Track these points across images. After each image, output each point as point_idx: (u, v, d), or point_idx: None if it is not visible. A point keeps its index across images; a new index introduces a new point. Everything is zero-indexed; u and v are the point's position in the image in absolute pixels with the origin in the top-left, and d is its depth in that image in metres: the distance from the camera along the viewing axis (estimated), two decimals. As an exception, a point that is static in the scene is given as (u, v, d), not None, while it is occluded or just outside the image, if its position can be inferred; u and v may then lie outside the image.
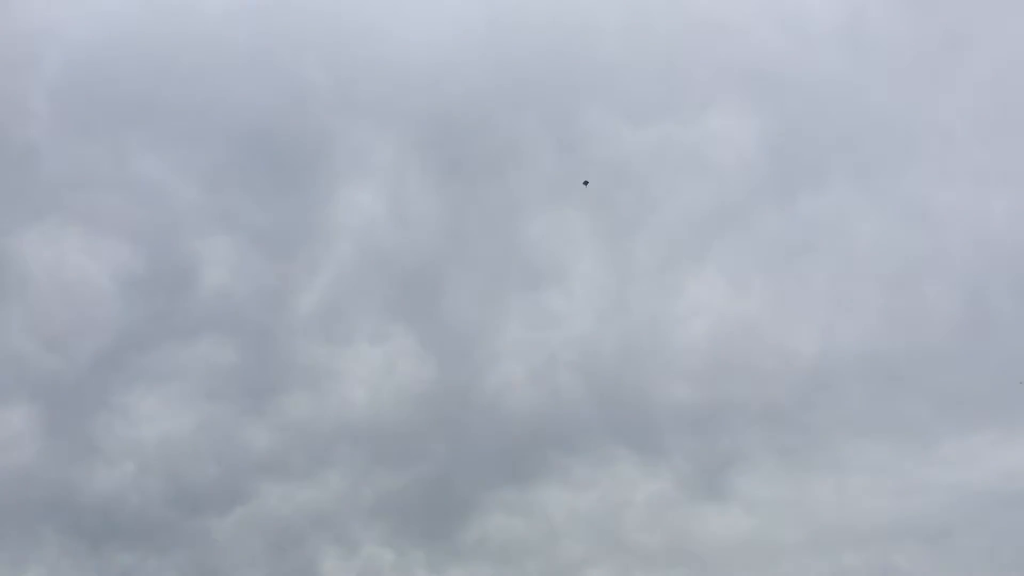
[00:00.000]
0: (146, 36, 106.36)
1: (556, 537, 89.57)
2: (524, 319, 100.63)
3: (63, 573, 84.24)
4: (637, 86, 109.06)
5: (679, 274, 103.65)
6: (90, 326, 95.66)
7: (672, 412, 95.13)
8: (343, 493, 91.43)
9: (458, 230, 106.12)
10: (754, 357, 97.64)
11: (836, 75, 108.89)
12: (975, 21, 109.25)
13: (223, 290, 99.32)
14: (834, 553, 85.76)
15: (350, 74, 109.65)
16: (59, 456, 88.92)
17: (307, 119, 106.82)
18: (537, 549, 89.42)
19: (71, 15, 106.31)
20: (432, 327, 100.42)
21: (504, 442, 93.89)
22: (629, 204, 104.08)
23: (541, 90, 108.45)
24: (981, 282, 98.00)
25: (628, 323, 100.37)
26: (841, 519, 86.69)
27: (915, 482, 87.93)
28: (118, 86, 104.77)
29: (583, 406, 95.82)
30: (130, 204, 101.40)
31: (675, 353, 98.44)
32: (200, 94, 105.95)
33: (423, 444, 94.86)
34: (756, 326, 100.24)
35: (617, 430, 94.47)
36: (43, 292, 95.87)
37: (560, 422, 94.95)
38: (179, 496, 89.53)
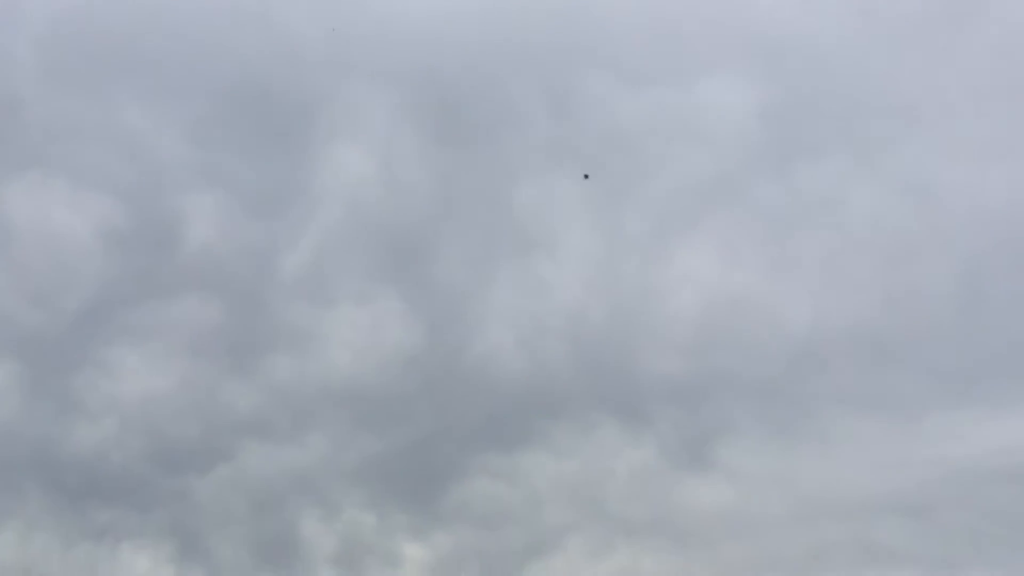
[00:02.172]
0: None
1: (539, 504, 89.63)
2: (513, 285, 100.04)
3: (42, 529, 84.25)
4: (634, 51, 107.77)
5: (671, 243, 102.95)
6: (73, 281, 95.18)
7: (659, 382, 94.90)
8: (326, 455, 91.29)
9: (449, 194, 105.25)
10: (744, 329, 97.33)
11: (838, 45, 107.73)
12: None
13: (208, 247, 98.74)
14: (817, 526, 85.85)
15: (344, 31, 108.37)
16: (40, 412, 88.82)
17: (298, 75, 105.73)
18: (519, 516, 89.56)
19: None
20: (420, 291, 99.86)
21: (489, 408, 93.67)
22: (622, 171, 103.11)
23: (536, 54, 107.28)
24: (977, 259, 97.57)
25: (617, 291, 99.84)
26: (825, 492, 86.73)
27: (901, 457, 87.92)
28: (104, 37, 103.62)
29: (570, 373, 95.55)
30: (115, 157, 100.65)
31: (664, 323, 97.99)
32: (188, 46, 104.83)
33: (407, 408, 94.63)
34: (747, 298, 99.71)
35: (603, 398, 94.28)
36: (26, 246, 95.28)
37: (546, 389, 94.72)
38: (160, 454, 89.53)
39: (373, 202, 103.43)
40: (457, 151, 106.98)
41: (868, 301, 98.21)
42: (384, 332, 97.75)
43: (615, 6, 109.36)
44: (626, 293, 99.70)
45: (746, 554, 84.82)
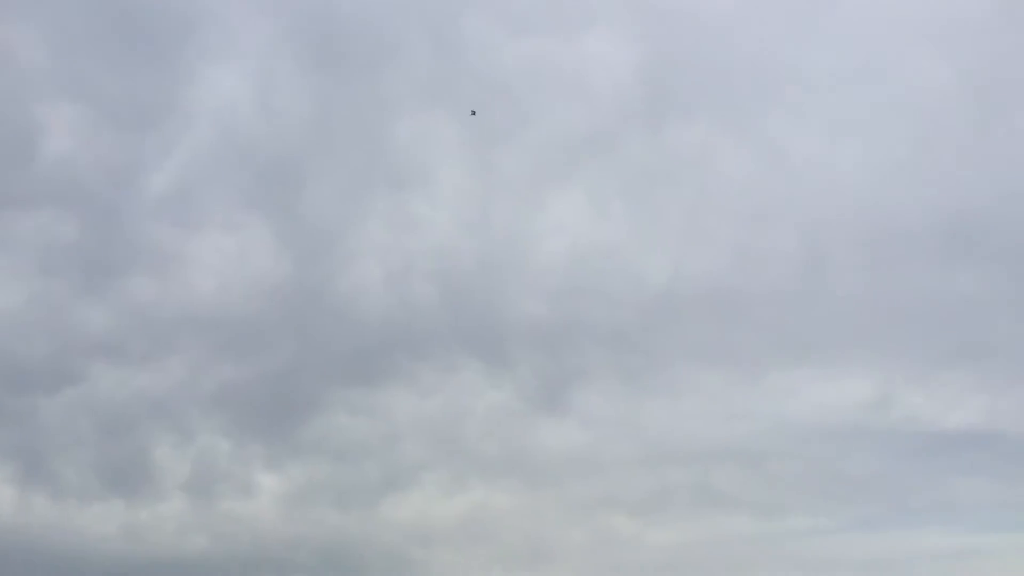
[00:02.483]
0: None
1: (397, 440, 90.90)
2: (385, 222, 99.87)
3: None
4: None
5: (543, 192, 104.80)
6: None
7: (522, 326, 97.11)
8: (182, 381, 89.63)
9: (325, 125, 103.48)
10: (606, 280, 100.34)
11: (714, 14, 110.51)
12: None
13: (67, 161, 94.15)
14: (660, 469, 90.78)
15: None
16: None
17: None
18: (377, 450, 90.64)
19: None
20: (289, 221, 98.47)
21: (353, 343, 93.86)
22: (501, 116, 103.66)
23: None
24: (822, 229, 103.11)
25: (488, 235, 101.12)
26: (670, 439, 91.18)
27: (740, 409, 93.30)
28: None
29: (436, 313, 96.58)
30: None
31: (531, 269, 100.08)
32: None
33: (270, 338, 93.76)
34: (612, 250, 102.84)
35: (467, 339, 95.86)
36: None
37: (411, 327, 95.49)
38: (4, 373, 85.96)
39: (246, 127, 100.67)
40: (335, 82, 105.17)
41: (721, 261, 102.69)
42: (250, 260, 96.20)
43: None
44: (497, 237, 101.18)
45: (593, 493, 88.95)
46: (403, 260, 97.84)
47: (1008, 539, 78.51)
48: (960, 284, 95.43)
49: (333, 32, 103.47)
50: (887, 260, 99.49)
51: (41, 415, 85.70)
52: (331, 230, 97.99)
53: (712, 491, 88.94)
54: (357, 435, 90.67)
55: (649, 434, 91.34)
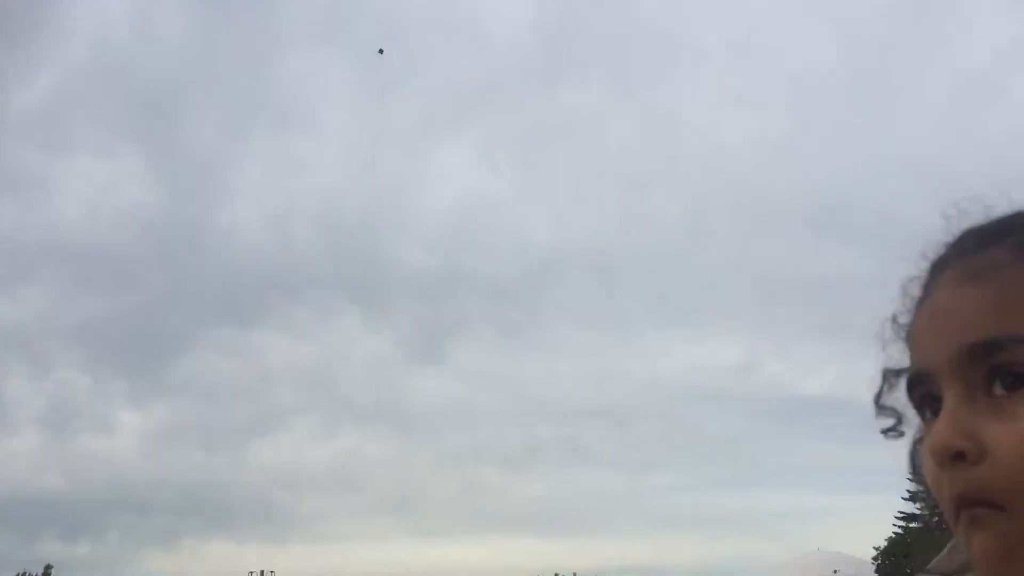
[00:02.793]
0: None
1: (268, 382, 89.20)
2: (266, 161, 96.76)
3: None
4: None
5: (432, 140, 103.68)
6: None
7: (403, 275, 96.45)
8: (40, 311, 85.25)
9: (208, 53, 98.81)
10: (491, 234, 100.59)
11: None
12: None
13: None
14: (530, 425, 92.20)
15: None
16: None
17: None
18: (246, 392, 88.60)
19: None
20: (165, 152, 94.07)
21: (227, 282, 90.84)
22: (394, 61, 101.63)
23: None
24: (703, 198, 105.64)
25: (373, 181, 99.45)
26: (543, 396, 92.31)
27: (613, 369, 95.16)
28: None
29: (315, 256, 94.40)
30: None
31: (416, 218, 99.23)
32: None
33: (139, 273, 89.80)
34: (497, 204, 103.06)
35: (346, 285, 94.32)
36: None
37: (289, 269, 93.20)
38: None
39: (123, 49, 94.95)
40: (222, 9, 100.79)
41: (604, 223, 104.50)
42: (121, 190, 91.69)
43: None
44: (382, 183, 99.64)
45: (465, 445, 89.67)
46: (283, 201, 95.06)
47: (853, 500, 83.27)
48: (823, 259, 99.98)
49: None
50: (760, 232, 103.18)
51: None
52: (209, 164, 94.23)
53: (582, 448, 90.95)
54: (226, 376, 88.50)
55: (523, 390, 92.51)
